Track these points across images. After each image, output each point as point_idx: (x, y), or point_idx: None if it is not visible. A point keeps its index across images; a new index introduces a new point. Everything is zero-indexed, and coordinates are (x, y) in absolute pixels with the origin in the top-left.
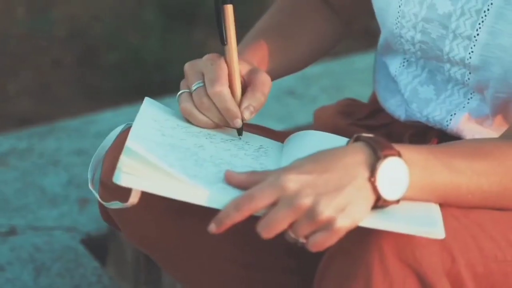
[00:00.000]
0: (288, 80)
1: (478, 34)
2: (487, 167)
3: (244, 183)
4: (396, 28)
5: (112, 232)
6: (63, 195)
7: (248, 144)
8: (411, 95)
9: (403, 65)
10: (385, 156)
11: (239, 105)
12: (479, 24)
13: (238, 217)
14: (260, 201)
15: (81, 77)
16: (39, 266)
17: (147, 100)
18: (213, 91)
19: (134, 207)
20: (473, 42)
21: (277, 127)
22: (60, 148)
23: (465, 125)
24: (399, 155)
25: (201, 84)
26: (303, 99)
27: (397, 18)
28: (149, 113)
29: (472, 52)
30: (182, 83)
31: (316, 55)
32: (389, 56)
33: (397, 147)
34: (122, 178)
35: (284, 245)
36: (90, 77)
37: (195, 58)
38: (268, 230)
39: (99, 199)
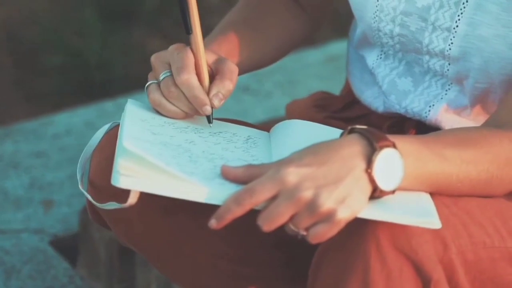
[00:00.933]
0: (241, 77)
1: (457, 26)
2: (475, 155)
3: (241, 177)
4: (374, 22)
5: (83, 232)
6: (27, 197)
7: (236, 136)
8: (389, 87)
9: (380, 58)
10: (381, 148)
11: (208, 93)
12: (458, 16)
13: (239, 211)
14: (260, 195)
15: (21, 80)
16: (9, 269)
17: (130, 101)
18: (181, 79)
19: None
20: (453, 33)
21: None
22: (18, 151)
23: (444, 116)
24: (394, 146)
25: (168, 74)
26: (258, 95)
27: (375, 12)
28: (135, 113)
29: (451, 43)
30: (150, 75)
31: (284, 51)
32: (365, 49)
33: (391, 138)
34: (121, 180)
35: (273, 238)
36: (30, 80)
37: (135, 59)
38: (269, 223)
39: (91, 200)
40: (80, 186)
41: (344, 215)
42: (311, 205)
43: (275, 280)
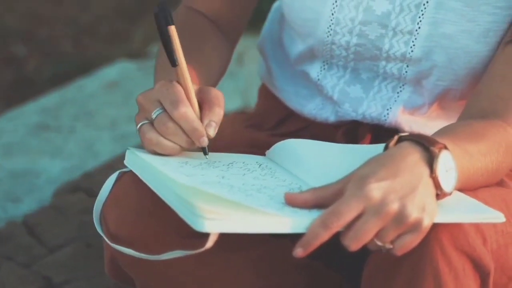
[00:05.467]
0: (35, 116)
1: (419, 27)
2: (487, 147)
3: (310, 202)
4: (328, 36)
5: None
6: None
7: (249, 164)
8: (341, 96)
9: (324, 69)
10: (439, 151)
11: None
12: (420, 17)
13: (326, 235)
14: (347, 215)
15: None
16: None
17: (135, 150)
18: (178, 113)
19: None
20: (415, 35)
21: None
22: None
23: (401, 117)
24: (446, 147)
25: (161, 111)
26: (62, 131)
27: (330, 26)
28: (155, 160)
29: (413, 45)
30: (138, 117)
31: (221, 76)
32: (306, 63)
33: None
34: (206, 225)
35: (295, 263)
36: None
37: None
38: (357, 242)
39: (135, 254)
40: (109, 242)
41: (428, 222)
42: (399, 217)
43: None
